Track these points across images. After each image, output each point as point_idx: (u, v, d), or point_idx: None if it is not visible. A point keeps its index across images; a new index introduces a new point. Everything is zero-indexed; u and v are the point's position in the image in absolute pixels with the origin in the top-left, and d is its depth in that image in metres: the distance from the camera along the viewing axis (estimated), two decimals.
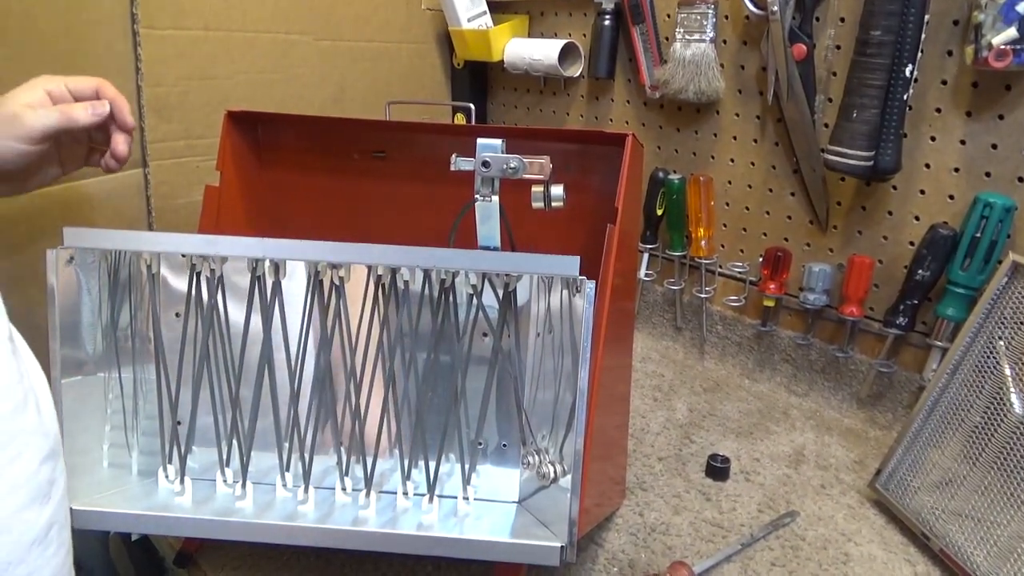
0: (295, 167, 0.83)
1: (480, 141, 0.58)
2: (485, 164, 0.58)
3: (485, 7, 1.25)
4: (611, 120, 1.20)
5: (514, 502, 0.65)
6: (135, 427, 0.65)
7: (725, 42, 1.01)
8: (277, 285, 0.62)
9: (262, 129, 0.81)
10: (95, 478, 0.61)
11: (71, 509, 0.48)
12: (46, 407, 0.45)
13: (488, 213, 0.60)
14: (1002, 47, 0.71)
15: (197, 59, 0.97)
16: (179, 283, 0.65)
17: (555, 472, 0.61)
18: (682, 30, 1.00)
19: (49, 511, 0.42)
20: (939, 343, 0.83)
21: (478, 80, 1.38)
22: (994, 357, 0.70)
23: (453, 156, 0.59)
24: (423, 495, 0.63)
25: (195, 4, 0.95)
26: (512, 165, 0.58)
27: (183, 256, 0.63)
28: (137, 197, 0.95)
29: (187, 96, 0.96)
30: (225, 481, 0.64)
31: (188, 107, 0.97)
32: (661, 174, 1.08)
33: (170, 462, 0.63)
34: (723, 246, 1.08)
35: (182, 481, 0.63)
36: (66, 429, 0.56)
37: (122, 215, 0.93)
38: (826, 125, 0.91)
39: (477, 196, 0.59)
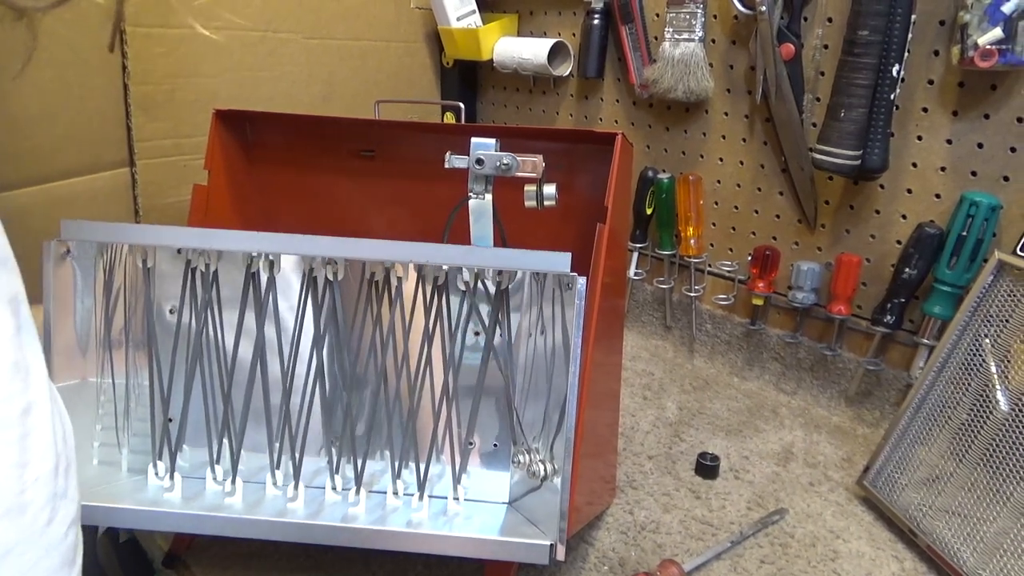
0: (284, 166, 0.82)
1: (474, 140, 0.58)
2: (479, 162, 0.58)
3: (474, 6, 1.25)
4: (600, 119, 1.20)
5: (504, 503, 0.65)
6: (126, 426, 0.64)
7: (714, 41, 1.01)
8: (272, 281, 0.61)
9: (250, 128, 0.80)
10: (84, 475, 0.61)
11: None
12: (72, 471, 0.44)
13: (481, 211, 0.60)
14: (988, 47, 0.72)
15: (184, 57, 0.96)
16: (174, 279, 0.64)
17: (545, 471, 0.61)
18: (671, 29, 1.00)
19: None
20: (926, 341, 0.84)
21: (467, 79, 1.38)
22: (980, 355, 0.70)
23: (447, 154, 0.59)
24: (413, 494, 0.63)
25: (182, 1, 0.95)
26: (505, 163, 0.58)
27: (178, 251, 0.62)
28: (124, 196, 0.94)
29: (174, 94, 0.96)
30: (215, 478, 0.63)
31: (176, 105, 0.96)
32: (650, 173, 1.08)
33: (160, 459, 0.63)
34: (712, 245, 1.09)
35: (172, 478, 0.62)
36: None
37: (109, 214, 0.92)
38: (814, 124, 0.92)
39: (471, 194, 0.59)
